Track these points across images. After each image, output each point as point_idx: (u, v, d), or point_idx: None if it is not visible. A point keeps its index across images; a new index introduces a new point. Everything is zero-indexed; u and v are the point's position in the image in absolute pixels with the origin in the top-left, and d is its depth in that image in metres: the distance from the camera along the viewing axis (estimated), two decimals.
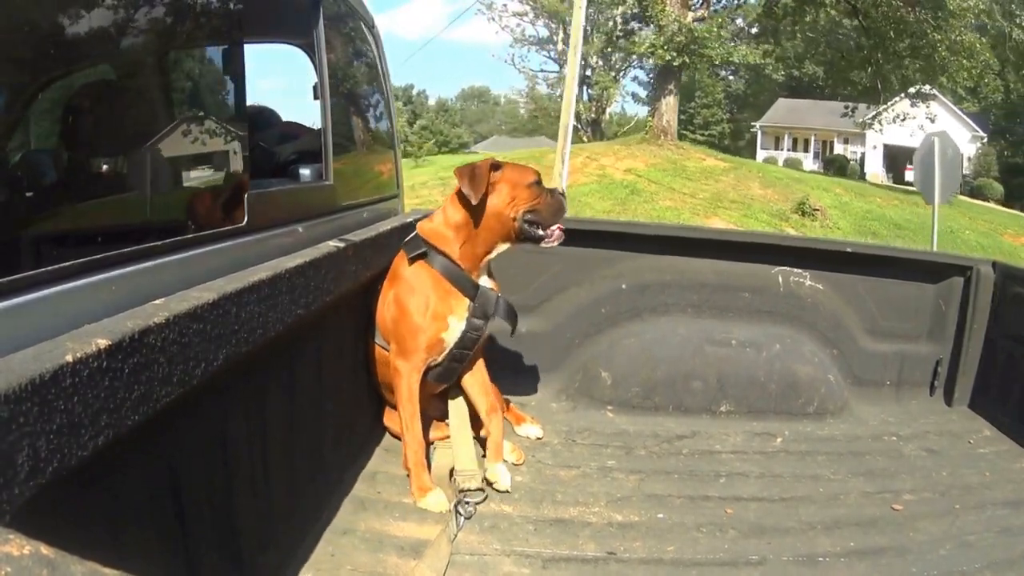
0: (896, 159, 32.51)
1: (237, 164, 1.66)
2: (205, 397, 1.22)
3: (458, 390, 2.26)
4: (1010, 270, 2.95)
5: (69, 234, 1.11)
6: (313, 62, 2.36)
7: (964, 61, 19.28)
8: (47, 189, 1.12)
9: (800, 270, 2.93)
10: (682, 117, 35.51)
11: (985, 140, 31.71)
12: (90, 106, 1.18)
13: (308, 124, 3.18)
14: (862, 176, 31.03)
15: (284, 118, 3.04)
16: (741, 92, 41.11)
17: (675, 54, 19.52)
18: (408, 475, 1.99)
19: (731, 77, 40.17)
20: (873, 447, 2.62)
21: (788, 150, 36.17)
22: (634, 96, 44.26)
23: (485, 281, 2.14)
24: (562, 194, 2.14)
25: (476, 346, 2.16)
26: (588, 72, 31.69)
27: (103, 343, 0.91)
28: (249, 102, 1.87)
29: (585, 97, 32.04)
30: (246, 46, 1.72)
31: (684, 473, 2.29)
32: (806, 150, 36.35)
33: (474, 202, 2.01)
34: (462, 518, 1.84)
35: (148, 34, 1.33)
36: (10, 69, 0.99)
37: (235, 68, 1.66)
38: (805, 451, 2.54)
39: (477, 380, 2.23)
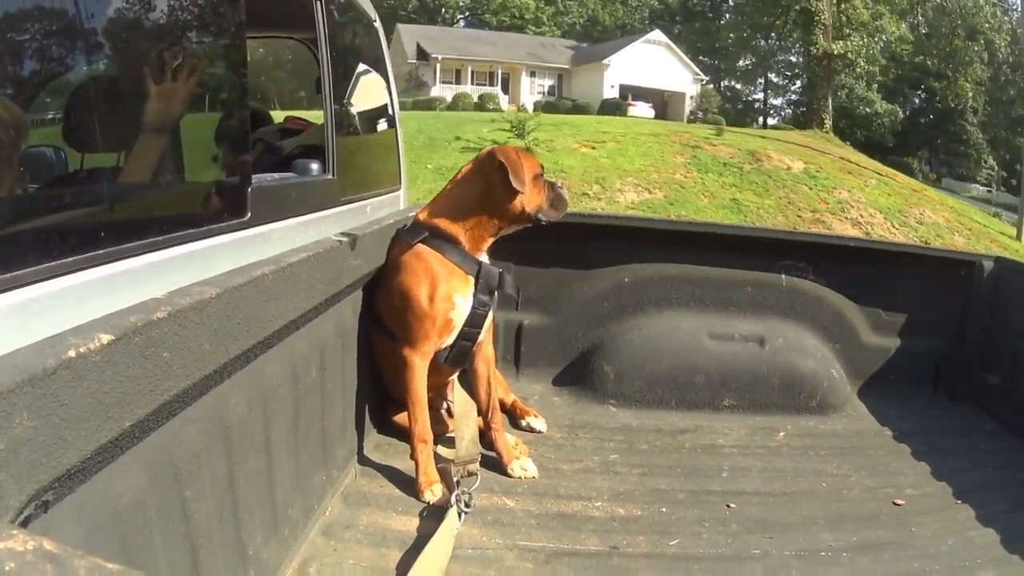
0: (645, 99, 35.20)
1: (240, 158, 1.66)
2: (208, 391, 1.22)
3: (463, 380, 2.28)
4: (1013, 265, 2.94)
5: (74, 228, 1.11)
6: (315, 57, 2.35)
7: None
8: (48, 184, 1.12)
9: (803, 264, 2.93)
10: None
11: (705, 81, 36.70)
12: (90, 101, 1.18)
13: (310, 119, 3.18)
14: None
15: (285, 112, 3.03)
16: None
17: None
18: (416, 467, 2.00)
19: None
20: (875, 442, 2.62)
21: (474, 83, 34.66)
22: None
23: (484, 257, 2.18)
24: (560, 186, 2.23)
25: (484, 323, 2.18)
26: None
27: (106, 338, 0.91)
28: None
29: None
30: (248, 41, 1.71)
31: (687, 468, 2.29)
32: (491, 83, 35.14)
33: (525, 193, 2.10)
34: (464, 513, 1.84)
35: (149, 28, 1.33)
36: (12, 65, 0.99)
37: (237, 63, 1.66)
38: (807, 446, 2.54)
39: (484, 375, 2.24)
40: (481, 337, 2.21)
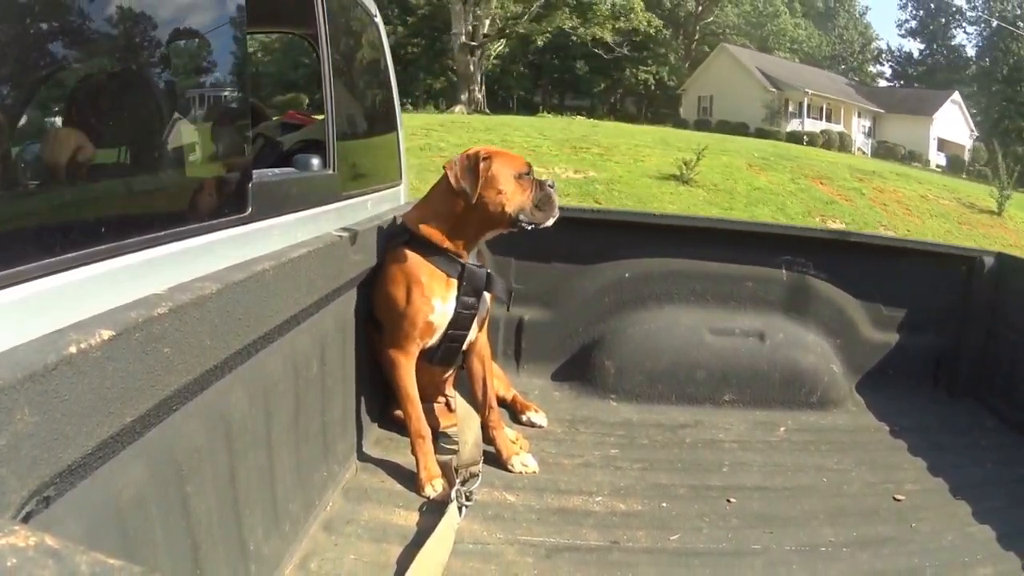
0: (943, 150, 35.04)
1: (240, 153, 1.65)
2: (209, 386, 1.22)
3: (461, 378, 2.28)
4: (1013, 261, 2.94)
5: (77, 224, 1.11)
6: (316, 52, 2.34)
7: None
8: (49, 180, 1.12)
9: (804, 259, 2.92)
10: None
11: (976, 137, 36.79)
12: (91, 96, 1.18)
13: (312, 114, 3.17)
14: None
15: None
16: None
17: None
18: (416, 462, 2.01)
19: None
20: (875, 437, 2.62)
21: (827, 120, 33.15)
22: None
23: (472, 259, 2.14)
24: (551, 186, 2.13)
25: (473, 325, 2.16)
26: None
27: (106, 334, 0.91)
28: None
29: None
30: (249, 36, 1.71)
31: (687, 463, 2.30)
32: (829, 119, 33.40)
33: (472, 201, 2.03)
34: (465, 507, 1.85)
35: (150, 23, 1.32)
36: (13, 61, 0.99)
37: (238, 57, 1.65)
38: (808, 441, 2.54)
39: (480, 373, 2.24)
40: (473, 337, 2.20)
